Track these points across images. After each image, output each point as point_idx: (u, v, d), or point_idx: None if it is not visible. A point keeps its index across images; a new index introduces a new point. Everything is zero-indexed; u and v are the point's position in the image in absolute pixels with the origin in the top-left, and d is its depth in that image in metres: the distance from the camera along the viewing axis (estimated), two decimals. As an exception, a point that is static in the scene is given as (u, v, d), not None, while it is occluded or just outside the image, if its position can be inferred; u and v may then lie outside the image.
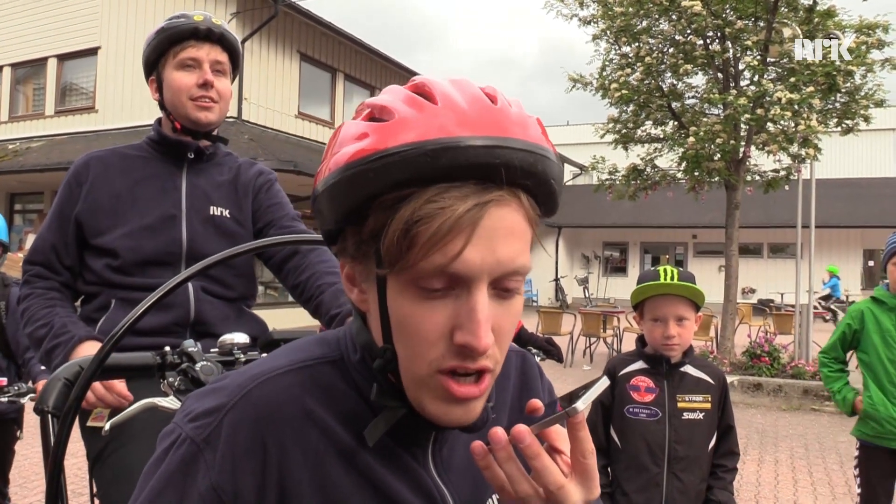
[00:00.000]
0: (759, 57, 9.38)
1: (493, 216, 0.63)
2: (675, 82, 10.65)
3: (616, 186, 11.37)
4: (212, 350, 1.35)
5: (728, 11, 9.66)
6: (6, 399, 2.70)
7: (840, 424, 7.19)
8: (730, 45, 9.81)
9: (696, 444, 2.21)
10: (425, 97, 0.65)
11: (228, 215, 1.80)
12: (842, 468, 5.64)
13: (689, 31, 9.91)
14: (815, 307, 15.74)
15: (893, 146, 31.74)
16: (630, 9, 9.92)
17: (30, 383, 2.89)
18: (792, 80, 9.10)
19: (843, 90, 9.61)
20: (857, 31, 9.21)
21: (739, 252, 10.31)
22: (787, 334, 11.07)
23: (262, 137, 13.24)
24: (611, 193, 11.53)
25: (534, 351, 3.55)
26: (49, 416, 1.15)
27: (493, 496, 0.79)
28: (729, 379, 4.81)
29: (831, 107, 10.03)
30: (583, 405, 0.64)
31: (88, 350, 1.52)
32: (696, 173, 9.91)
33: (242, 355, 1.34)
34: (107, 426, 1.27)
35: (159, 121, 1.82)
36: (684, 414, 2.21)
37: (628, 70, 10.26)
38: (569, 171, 27.56)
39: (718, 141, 9.32)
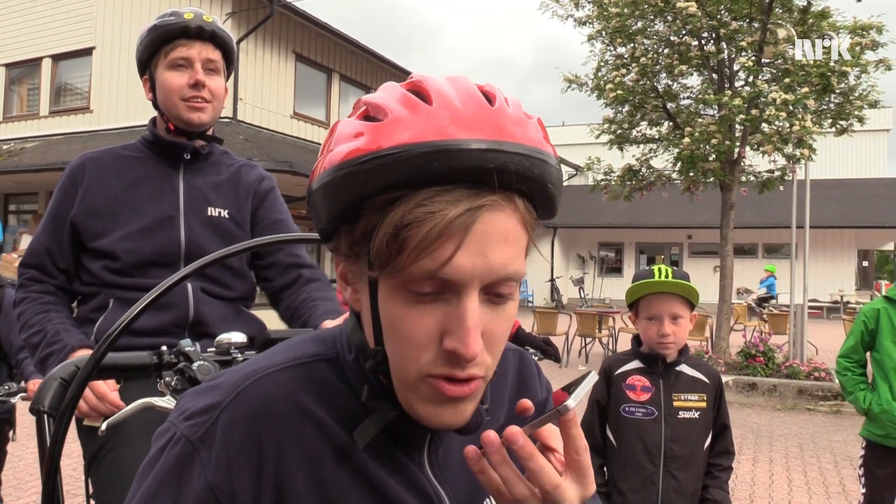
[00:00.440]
0: (753, 58, 9.40)
1: (486, 221, 0.61)
2: (670, 83, 10.69)
3: (611, 187, 11.41)
4: (209, 350, 1.34)
5: (723, 12, 9.67)
6: None
7: (834, 424, 7.21)
8: (725, 46, 9.83)
9: (691, 443, 2.22)
10: (421, 96, 0.64)
11: (227, 216, 1.79)
12: (836, 467, 5.65)
13: (684, 32, 9.94)
14: (752, 307, 15.20)
15: (887, 147, 31.89)
16: (625, 10, 9.94)
17: (22, 383, 2.86)
18: (786, 80, 9.13)
19: (838, 91, 9.64)
20: (852, 33, 9.24)
21: (734, 252, 10.33)
22: (781, 334, 11.09)
23: (258, 138, 13.20)
24: (606, 194, 11.57)
25: (531, 351, 3.55)
26: (45, 416, 1.14)
27: (490, 497, 0.78)
28: (724, 379, 4.83)
29: (826, 107, 10.07)
30: (574, 402, 0.63)
31: None
32: (692, 174, 9.96)
33: (239, 355, 1.33)
34: (103, 426, 1.27)
35: (154, 120, 1.80)
36: (680, 413, 2.22)
37: (623, 70, 10.28)
38: (564, 171, 27.18)
39: (713, 141, 9.36)
